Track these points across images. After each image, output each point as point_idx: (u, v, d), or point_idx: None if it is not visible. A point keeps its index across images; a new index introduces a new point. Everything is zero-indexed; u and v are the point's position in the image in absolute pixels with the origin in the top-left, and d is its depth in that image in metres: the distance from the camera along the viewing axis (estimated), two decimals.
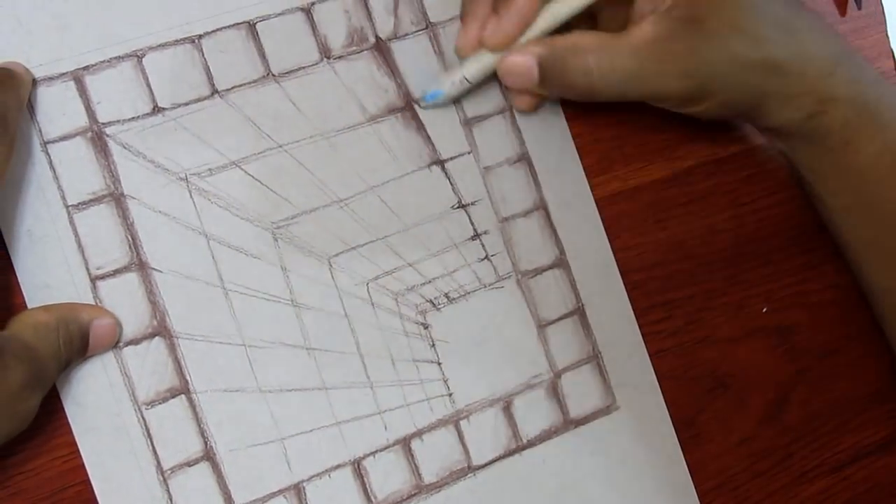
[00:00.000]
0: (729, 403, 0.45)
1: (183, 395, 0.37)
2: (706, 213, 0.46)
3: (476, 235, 0.42)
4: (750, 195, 0.46)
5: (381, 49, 0.41)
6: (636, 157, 0.45)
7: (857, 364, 0.47)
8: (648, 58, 0.37)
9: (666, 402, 0.43)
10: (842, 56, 0.39)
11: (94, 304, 0.37)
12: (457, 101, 0.42)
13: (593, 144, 0.44)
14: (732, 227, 0.46)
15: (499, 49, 0.39)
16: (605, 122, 0.44)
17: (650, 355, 0.44)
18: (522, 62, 0.38)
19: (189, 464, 0.37)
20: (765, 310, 0.46)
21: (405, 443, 0.40)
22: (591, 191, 0.44)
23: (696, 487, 0.43)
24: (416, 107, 0.41)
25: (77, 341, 0.35)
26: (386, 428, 0.40)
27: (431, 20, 0.42)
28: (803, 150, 0.41)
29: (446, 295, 0.41)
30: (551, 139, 0.43)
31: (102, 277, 0.37)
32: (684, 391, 0.44)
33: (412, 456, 0.40)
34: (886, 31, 0.50)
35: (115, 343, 0.37)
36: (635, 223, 0.44)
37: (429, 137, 0.41)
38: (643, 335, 0.44)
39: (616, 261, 0.43)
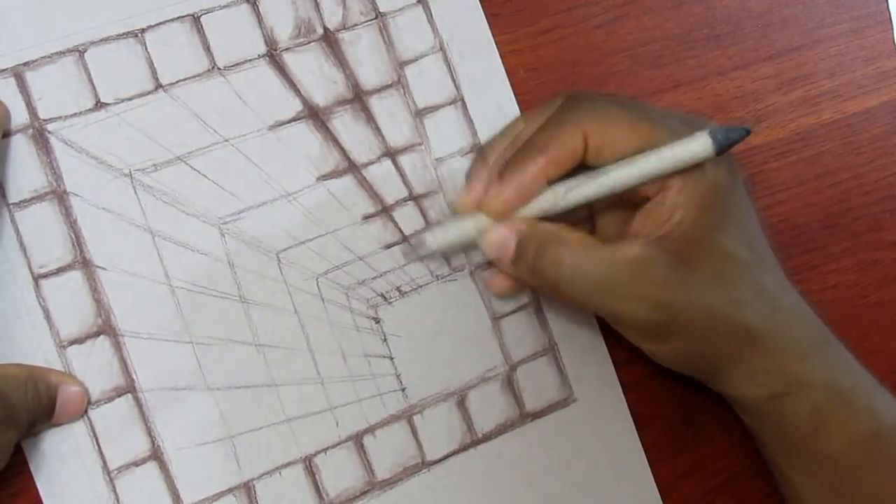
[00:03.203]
0: (729, 403, 0.44)
1: (129, 394, 0.37)
2: None
3: None
4: (750, 195, 0.45)
5: (330, 40, 0.41)
6: None
7: None
8: (622, 274, 0.36)
9: (666, 401, 0.43)
10: (820, 342, 0.38)
11: (64, 370, 0.36)
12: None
13: None
14: None
15: (495, 216, 0.37)
16: None
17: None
18: (502, 234, 0.37)
19: (136, 463, 0.37)
20: None
21: (357, 439, 0.39)
22: None
23: (696, 487, 0.43)
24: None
25: (45, 401, 0.35)
26: (337, 424, 0.39)
27: (381, 10, 0.41)
28: (767, 429, 0.39)
29: (398, 288, 0.41)
30: None
31: (45, 276, 0.37)
32: (684, 391, 0.43)
33: (364, 452, 0.39)
34: (892, 30, 0.49)
35: (81, 413, 0.36)
36: None
37: (379, 129, 0.41)
38: None
39: None
